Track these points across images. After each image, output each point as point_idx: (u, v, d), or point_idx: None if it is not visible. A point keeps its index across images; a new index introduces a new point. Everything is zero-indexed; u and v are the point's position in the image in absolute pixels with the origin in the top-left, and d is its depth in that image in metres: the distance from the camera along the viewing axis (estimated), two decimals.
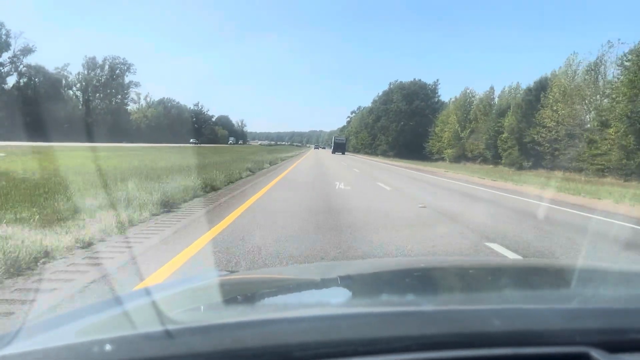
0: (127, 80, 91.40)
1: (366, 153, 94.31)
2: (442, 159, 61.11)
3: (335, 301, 1.38)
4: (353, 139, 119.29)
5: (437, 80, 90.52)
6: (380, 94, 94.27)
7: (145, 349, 0.81)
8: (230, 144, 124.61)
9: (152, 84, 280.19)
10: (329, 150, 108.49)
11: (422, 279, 1.65)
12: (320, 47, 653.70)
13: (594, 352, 0.86)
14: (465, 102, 58.26)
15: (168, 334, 0.83)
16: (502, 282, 1.63)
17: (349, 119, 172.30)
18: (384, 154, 79.09)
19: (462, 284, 1.62)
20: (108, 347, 0.79)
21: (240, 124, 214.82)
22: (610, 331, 0.96)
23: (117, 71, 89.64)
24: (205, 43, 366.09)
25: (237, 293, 1.44)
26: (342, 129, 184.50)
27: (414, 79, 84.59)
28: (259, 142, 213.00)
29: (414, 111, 78.76)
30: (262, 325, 0.91)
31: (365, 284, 1.61)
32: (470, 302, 1.27)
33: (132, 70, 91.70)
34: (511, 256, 5.49)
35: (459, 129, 57.06)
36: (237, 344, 0.82)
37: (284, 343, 0.84)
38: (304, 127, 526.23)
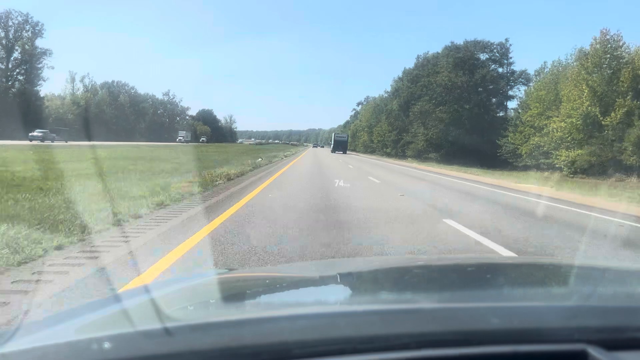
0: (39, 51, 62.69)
1: (387, 154, 66.20)
2: (541, 167, 33.20)
3: (333, 299, 1.37)
4: (363, 135, 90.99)
5: (507, 39, 54.49)
6: (409, 67, 65.24)
7: (144, 347, 0.80)
8: (180, 141, 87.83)
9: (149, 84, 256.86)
10: (328, 149, 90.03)
11: (421, 277, 1.65)
12: (320, 44, 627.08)
13: (591, 350, 0.85)
14: (602, 60, 30.01)
15: (167, 332, 0.83)
16: (501, 280, 1.62)
17: (354, 112, 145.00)
18: (419, 157, 50.26)
19: (460, 281, 1.60)
20: (107, 344, 0.79)
21: (228, 120, 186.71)
22: (609, 329, 0.95)
23: (24, 35, 61.26)
24: (201, 40, 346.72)
25: (236, 291, 1.43)
26: (345, 125, 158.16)
27: (467, 40, 50.49)
28: (240, 141, 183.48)
29: (475, 85, 47.53)
30: (261, 322, 0.91)
31: (364, 282, 1.59)
32: (469, 300, 1.26)
33: (42, 34, 62.84)
34: None
35: (597, 110, 28.93)
36: (236, 342, 0.82)
37: (282, 341, 0.83)
38: (302, 125, 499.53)
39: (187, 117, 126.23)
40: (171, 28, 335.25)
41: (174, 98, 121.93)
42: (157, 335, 0.83)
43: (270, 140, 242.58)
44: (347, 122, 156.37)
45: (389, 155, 64.58)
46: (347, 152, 76.99)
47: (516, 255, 5.08)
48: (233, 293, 1.39)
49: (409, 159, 52.43)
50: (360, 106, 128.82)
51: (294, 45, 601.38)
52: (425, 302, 1.22)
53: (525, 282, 1.60)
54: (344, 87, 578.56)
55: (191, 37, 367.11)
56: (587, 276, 1.63)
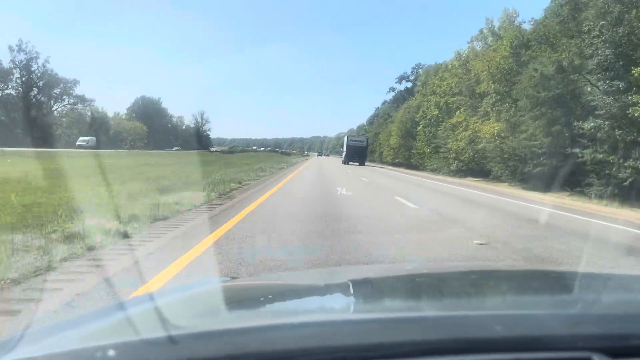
0: None
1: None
2: None
3: (337, 307, 1.37)
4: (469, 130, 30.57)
5: None
6: None
7: (148, 355, 0.80)
8: None
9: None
10: (335, 159, 71.65)
11: (424, 285, 1.64)
12: (323, 53, 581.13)
13: (597, 358, 0.85)
14: None
15: (171, 340, 0.83)
16: (504, 288, 1.60)
17: (393, 93, 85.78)
18: None
19: (463, 289, 1.58)
20: (111, 352, 0.79)
21: (199, 120, 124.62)
22: (613, 337, 0.94)
23: None
24: (202, 48, 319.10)
25: (240, 299, 1.43)
26: (372, 121, 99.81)
27: None
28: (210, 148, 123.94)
29: None
30: (265, 330, 0.90)
31: (367, 290, 1.58)
32: (472, 308, 1.25)
33: None
34: None
35: None
36: (240, 350, 0.82)
37: (286, 349, 0.83)
38: (305, 133, 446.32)
39: (72, 101, 67.26)
40: (167, 38, 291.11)
41: (34, 59, 62.67)
42: (161, 343, 0.82)
43: (254, 148, 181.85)
44: (374, 117, 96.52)
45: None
46: (376, 166, 51.31)
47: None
48: (237, 301, 1.38)
49: None
50: (404, 85, 69.30)
51: (297, 53, 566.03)
52: (428, 310, 1.21)
53: (528, 290, 1.57)
54: (348, 95, 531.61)
55: (189, 46, 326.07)
56: (590, 284, 1.60)
